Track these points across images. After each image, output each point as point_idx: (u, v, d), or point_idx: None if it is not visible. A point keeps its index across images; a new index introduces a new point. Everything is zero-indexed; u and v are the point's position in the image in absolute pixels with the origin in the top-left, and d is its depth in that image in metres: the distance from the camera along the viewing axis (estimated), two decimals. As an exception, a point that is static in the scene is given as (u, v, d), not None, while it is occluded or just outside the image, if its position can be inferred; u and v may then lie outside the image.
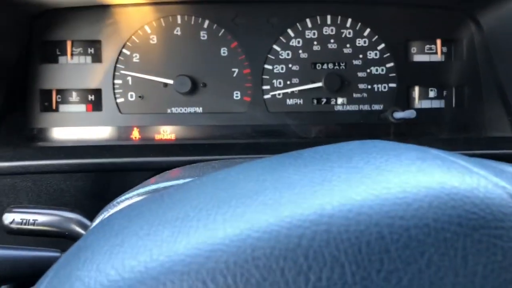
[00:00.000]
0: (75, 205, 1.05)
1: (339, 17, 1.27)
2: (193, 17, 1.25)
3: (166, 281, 0.36)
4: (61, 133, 1.25)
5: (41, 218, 0.84)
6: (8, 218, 0.85)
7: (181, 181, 0.67)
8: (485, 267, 0.36)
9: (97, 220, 0.64)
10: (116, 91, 1.25)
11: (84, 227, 0.84)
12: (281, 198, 0.41)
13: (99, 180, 1.06)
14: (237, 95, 1.27)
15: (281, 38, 1.27)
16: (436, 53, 1.29)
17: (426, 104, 1.30)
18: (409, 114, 1.10)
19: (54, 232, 0.84)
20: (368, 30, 1.27)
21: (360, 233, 0.36)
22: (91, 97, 1.26)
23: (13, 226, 0.84)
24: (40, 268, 0.70)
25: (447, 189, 0.38)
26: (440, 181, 0.39)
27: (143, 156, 1.06)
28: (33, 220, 0.85)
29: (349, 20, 1.27)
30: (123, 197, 0.68)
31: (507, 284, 0.35)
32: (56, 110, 1.26)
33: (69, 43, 1.24)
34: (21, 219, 0.85)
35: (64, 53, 1.25)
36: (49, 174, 1.04)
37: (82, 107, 1.26)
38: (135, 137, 1.25)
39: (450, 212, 0.37)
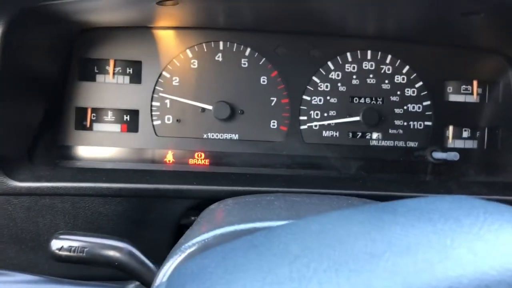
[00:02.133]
0: (112, 229, 1.03)
1: (379, 53, 1.28)
2: (235, 44, 1.25)
3: None
4: (94, 152, 1.24)
5: (90, 247, 0.83)
6: (55, 244, 0.83)
7: (263, 224, 0.65)
8: None
9: (169, 264, 0.62)
10: (153, 113, 1.24)
11: (134, 257, 0.82)
12: (406, 265, 0.41)
13: (137, 205, 1.04)
14: (273, 124, 1.26)
15: (321, 70, 1.27)
16: (472, 93, 1.30)
17: (459, 143, 1.31)
18: (452, 156, 1.10)
19: (103, 262, 0.82)
20: (407, 67, 1.28)
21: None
22: (126, 118, 1.25)
23: (62, 253, 0.82)
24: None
25: None
26: None
27: (179, 184, 1.05)
28: (82, 248, 0.83)
29: (389, 57, 1.28)
30: (193, 241, 0.66)
31: None
32: (90, 128, 1.24)
33: (111, 62, 1.23)
34: (69, 246, 0.83)
35: (102, 71, 1.24)
36: (89, 197, 1.02)
37: (117, 127, 1.25)
38: (169, 161, 1.24)
39: None
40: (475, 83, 1.30)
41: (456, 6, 1.00)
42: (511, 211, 0.50)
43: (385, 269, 0.41)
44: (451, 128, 1.31)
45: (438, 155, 1.18)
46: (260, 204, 0.77)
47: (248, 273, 0.45)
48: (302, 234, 0.52)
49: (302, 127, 1.27)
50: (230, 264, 0.48)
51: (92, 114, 1.25)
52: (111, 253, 0.83)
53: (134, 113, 1.25)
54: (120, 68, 1.25)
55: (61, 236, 0.83)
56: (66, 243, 0.83)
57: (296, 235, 0.52)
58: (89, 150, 1.23)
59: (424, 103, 1.29)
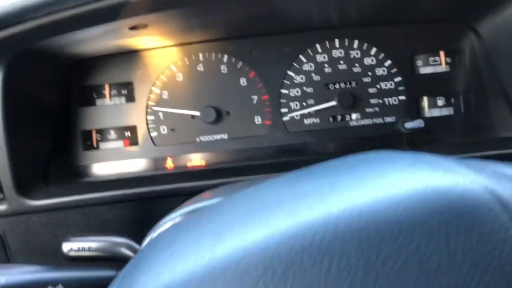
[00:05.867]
0: (123, 232, 1.16)
1: (346, 40, 1.37)
2: (213, 53, 1.38)
3: (210, 280, 0.46)
4: (103, 168, 1.38)
5: (94, 245, 0.96)
6: (66, 247, 0.97)
7: (212, 202, 0.77)
8: (464, 246, 0.44)
9: (147, 240, 0.75)
10: (149, 126, 1.38)
11: (133, 249, 0.95)
12: (297, 208, 0.51)
13: (141, 207, 1.18)
14: (258, 119, 1.38)
15: (294, 64, 1.38)
16: (440, 64, 1.38)
17: (435, 112, 1.38)
18: (417, 124, 1.19)
19: (107, 256, 0.96)
20: (374, 49, 1.37)
21: (362, 227, 0.46)
22: (127, 134, 1.39)
23: (71, 253, 0.96)
24: (100, 285, 0.81)
25: (430, 188, 0.48)
26: (425, 182, 0.49)
27: (178, 183, 1.18)
28: (88, 247, 0.97)
29: (356, 42, 1.37)
30: (165, 219, 0.79)
31: (484, 258, 0.43)
32: (97, 148, 1.39)
33: (107, 86, 1.38)
34: (77, 247, 0.97)
35: (100, 95, 1.39)
36: (97, 206, 1.16)
37: (120, 143, 1.39)
38: (169, 167, 1.37)
39: (432, 207, 0.46)
40: (441, 53, 1.38)
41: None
42: (407, 157, 0.60)
43: (281, 212, 0.52)
44: (425, 99, 1.39)
45: (408, 124, 1.26)
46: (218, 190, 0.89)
47: (188, 233, 0.57)
48: (234, 201, 0.63)
49: (284, 118, 1.38)
50: (178, 230, 0.60)
51: (97, 135, 1.40)
52: (113, 248, 0.96)
53: (133, 129, 1.39)
54: (115, 90, 1.39)
55: (70, 239, 0.98)
56: (75, 245, 0.97)
57: (228, 203, 0.63)
58: (98, 167, 1.38)
59: (396, 80, 1.37)
